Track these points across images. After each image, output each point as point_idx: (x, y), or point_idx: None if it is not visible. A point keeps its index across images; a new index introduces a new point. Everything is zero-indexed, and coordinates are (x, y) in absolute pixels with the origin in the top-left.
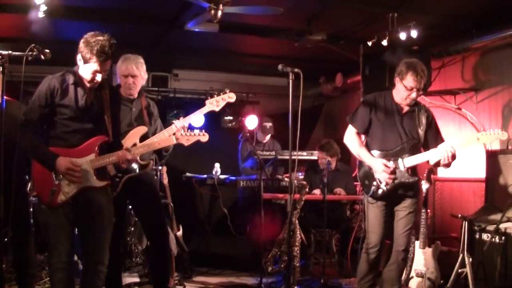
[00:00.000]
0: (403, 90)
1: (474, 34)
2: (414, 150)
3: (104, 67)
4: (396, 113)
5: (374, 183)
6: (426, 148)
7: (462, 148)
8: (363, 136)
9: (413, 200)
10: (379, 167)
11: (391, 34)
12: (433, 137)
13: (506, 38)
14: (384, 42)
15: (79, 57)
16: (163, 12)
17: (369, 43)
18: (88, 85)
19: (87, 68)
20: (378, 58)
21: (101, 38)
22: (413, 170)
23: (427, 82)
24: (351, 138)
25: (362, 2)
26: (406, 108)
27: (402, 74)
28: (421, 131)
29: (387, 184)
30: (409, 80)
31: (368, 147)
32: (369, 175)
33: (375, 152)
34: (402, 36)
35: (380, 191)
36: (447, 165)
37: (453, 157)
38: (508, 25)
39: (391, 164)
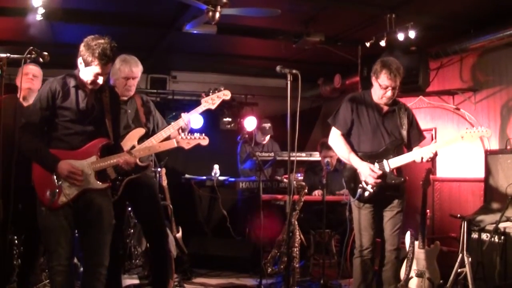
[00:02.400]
0: (378, 89)
1: (472, 35)
2: (398, 151)
3: (106, 70)
4: (377, 113)
5: (360, 185)
6: (409, 147)
7: (447, 147)
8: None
9: (400, 200)
10: (366, 171)
11: (389, 35)
12: (416, 136)
13: (504, 38)
14: (382, 43)
15: (80, 60)
16: (161, 15)
17: (367, 44)
18: (89, 87)
19: (89, 71)
20: (376, 59)
21: (102, 41)
22: (398, 171)
23: (425, 82)
24: (337, 140)
25: (359, 3)
26: (386, 108)
27: (376, 72)
28: (403, 131)
29: (373, 186)
30: (383, 78)
31: (353, 149)
32: (354, 178)
33: (360, 154)
34: (400, 37)
35: (366, 194)
36: (429, 160)
37: (435, 155)
38: (505, 25)
39: (377, 167)
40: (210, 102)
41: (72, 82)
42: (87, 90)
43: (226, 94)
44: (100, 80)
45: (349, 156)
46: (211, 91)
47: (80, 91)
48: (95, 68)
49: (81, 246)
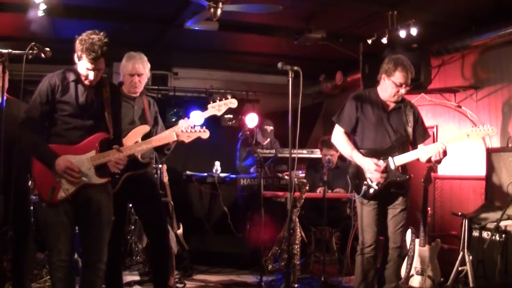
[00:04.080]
0: (391, 87)
1: (474, 32)
2: (403, 148)
3: (97, 66)
4: (382, 110)
5: (365, 182)
6: (414, 144)
7: (452, 144)
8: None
9: (404, 198)
10: (370, 167)
11: (391, 32)
12: (421, 134)
13: (505, 36)
14: (384, 40)
15: (75, 54)
16: (163, 11)
17: (369, 41)
18: (85, 82)
19: (81, 66)
20: (378, 56)
21: (94, 36)
22: (403, 168)
23: (427, 79)
24: (340, 138)
25: (361, 0)
26: (392, 105)
27: (389, 71)
28: (409, 128)
29: (378, 183)
30: (398, 76)
31: (356, 146)
32: (359, 175)
33: (364, 151)
34: (402, 34)
35: (371, 191)
36: (438, 162)
37: (444, 153)
38: (507, 23)
39: (381, 163)
40: (217, 108)
41: (71, 77)
42: (87, 84)
43: (232, 103)
44: (91, 75)
45: (352, 153)
46: (218, 99)
47: (79, 85)
48: (85, 63)
49: (81, 241)
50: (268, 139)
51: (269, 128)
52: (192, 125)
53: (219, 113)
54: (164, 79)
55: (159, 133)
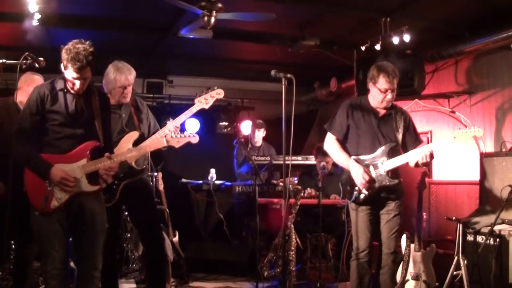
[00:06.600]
0: (378, 94)
1: (467, 38)
2: (393, 153)
3: (82, 75)
4: (373, 117)
5: (356, 188)
6: (405, 150)
7: (443, 148)
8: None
9: (397, 203)
10: (357, 175)
11: (384, 39)
12: (412, 139)
13: (498, 42)
14: (377, 47)
15: (61, 64)
16: (158, 19)
17: (362, 48)
18: (71, 91)
19: (67, 75)
20: (372, 62)
21: (79, 46)
22: (393, 173)
23: (421, 85)
24: (331, 145)
25: (354, 8)
26: (382, 112)
27: (374, 78)
28: (399, 134)
29: (368, 189)
30: (382, 82)
31: (348, 153)
32: (350, 181)
33: (355, 158)
34: (395, 40)
35: (362, 196)
36: (426, 164)
37: (431, 156)
38: (500, 29)
39: (372, 170)
40: (204, 101)
41: (60, 86)
42: (73, 93)
43: (219, 93)
44: (77, 85)
45: (344, 160)
46: (204, 91)
47: (68, 94)
48: (70, 72)
49: (75, 250)
50: (262, 130)
51: (259, 120)
52: (178, 125)
53: (206, 106)
54: (159, 87)
55: (152, 131)
